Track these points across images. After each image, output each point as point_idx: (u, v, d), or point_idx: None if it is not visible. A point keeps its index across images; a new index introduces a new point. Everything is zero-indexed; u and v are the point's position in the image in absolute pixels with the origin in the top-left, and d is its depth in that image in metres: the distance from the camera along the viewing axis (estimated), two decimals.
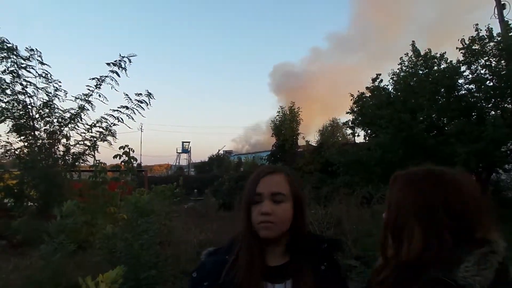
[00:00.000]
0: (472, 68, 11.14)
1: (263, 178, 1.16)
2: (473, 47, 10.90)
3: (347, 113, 14.22)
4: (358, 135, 15.41)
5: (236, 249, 1.16)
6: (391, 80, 13.21)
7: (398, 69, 12.94)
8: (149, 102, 8.63)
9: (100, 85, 8.54)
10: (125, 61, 8.52)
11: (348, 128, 15.84)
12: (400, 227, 1.02)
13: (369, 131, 13.82)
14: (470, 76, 11.21)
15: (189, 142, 53.26)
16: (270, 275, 1.11)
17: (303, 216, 1.20)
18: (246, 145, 61.49)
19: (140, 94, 8.51)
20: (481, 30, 10.93)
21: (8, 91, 8.11)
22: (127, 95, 8.48)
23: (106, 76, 8.49)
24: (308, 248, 1.16)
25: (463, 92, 11.44)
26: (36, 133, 8.42)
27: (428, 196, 1.00)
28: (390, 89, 13.15)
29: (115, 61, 8.45)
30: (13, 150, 8.27)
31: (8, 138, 8.24)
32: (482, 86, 10.52)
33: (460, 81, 11.38)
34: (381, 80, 13.35)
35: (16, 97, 8.21)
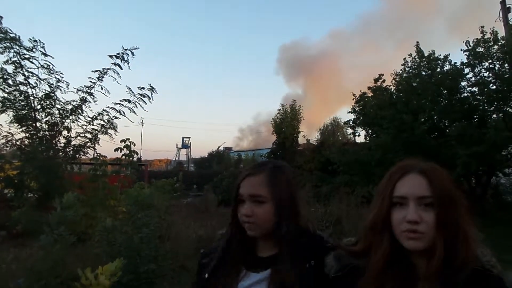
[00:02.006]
0: (475, 70, 11.14)
1: (244, 179, 1.20)
2: (477, 50, 10.88)
3: (349, 112, 14.24)
4: (359, 135, 15.44)
5: (224, 239, 1.27)
6: (393, 81, 13.21)
7: (401, 70, 12.95)
8: (152, 97, 8.61)
9: (102, 77, 8.50)
10: (127, 54, 8.48)
11: (349, 128, 15.85)
12: (458, 226, 0.96)
13: (370, 131, 13.82)
14: (473, 78, 11.21)
15: (189, 137, 53.25)
16: (253, 264, 1.19)
17: (290, 216, 1.20)
18: (254, 136, 60.87)
19: (143, 88, 8.48)
20: (486, 32, 10.91)
21: (10, 82, 8.09)
22: (129, 88, 8.46)
23: (108, 69, 8.46)
24: (292, 244, 1.17)
25: (466, 94, 11.45)
26: (37, 124, 8.40)
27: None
28: (392, 90, 13.14)
29: (117, 53, 8.41)
30: (14, 141, 8.25)
31: (9, 129, 8.23)
32: (485, 89, 10.51)
33: (463, 83, 11.39)
34: (384, 81, 13.34)
35: (18, 87, 8.18)
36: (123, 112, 8.64)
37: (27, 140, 8.32)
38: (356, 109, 13.90)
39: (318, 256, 1.18)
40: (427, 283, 0.97)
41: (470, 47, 10.98)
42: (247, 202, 1.17)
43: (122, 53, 8.45)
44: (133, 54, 8.55)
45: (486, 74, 10.99)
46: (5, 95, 8.08)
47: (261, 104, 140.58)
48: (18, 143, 8.28)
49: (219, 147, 42.11)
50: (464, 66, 11.18)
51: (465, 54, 11.14)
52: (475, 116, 11.08)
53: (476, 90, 11.05)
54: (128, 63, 8.52)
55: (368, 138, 14.19)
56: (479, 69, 11.07)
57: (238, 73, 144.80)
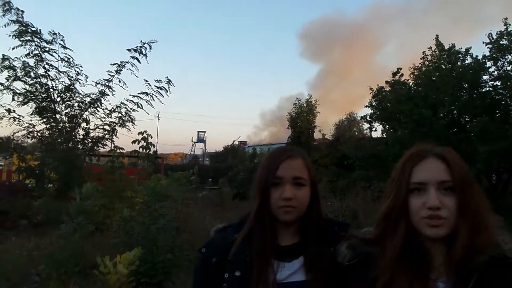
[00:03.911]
0: (498, 64, 10.78)
1: (284, 162, 1.15)
2: (501, 42, 10.53)
3: (366, 106, 14.02)
4: (376, 130, 15.21)
5: (247, 228, 1.17)
6: (412, 75, 12.95)
7: (420, 63, 12.67)
8: (169, 89, 8.69)
9: (121, 70, 8.62)
10: (145, 48, 8.57)
11: (365, 123, 15.62)
12: (478, 211, 0.94)
13: (387, 126, 13.59)
14: (496, 72, 10.87)
15: (204, 131, 53.51)
16: (279, 254, 1.14)
17: (319, 199, 1.22)
18: (275, 126, 60.22)
19: (160, 80, 8.57)
20: (510, 24, 10.54)
21: (32, 74, 8.27)
22: (147, 81, 8.56)
23: (126, 62, 8.56)
24: (318, 230, 1.17)
25: (488, 89, 11.11)
26: (57, 116, 8.58)
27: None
28: (411, 84, 12.88)
29: (136, 47, 8.51)
30: (35, 132, 8.45)
31: (31, 120, 8.43)
32: (508, 83, 10.18)
33: (485, 77, 11.05)
34: (402, 75, 13.07)
35: (39, 80, 8.36)
36: (141, 104, 8.76)
37: (47, 131, 8.51)
38: (373, 104, 13.67)
39: (337, 240, 1.19)
40: (443, 270, 0.94)
41: (493, 40, 10.63)
42: (287, 185, 1.13)
43: (140, 46, 8.54)
44: (150, 47, 8.64)
45: (509, 68, 10.63)
46: (27, 87, 8.27)
47: (287, 88, 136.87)
48: (38, 134, 8.48)
49: (234, 141, 42.26)
50: (487, 60, 10.84)
51: (488, 47, 10.79)
52: (497, 111, 10.75)
53: (499, 84, 10.71)
54: (146, 57, 8.61)
55: (385, 133, 13.96)
56: (502, 62, 10.71)
57: (259, 60, 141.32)
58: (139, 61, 8.59)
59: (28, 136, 8.40)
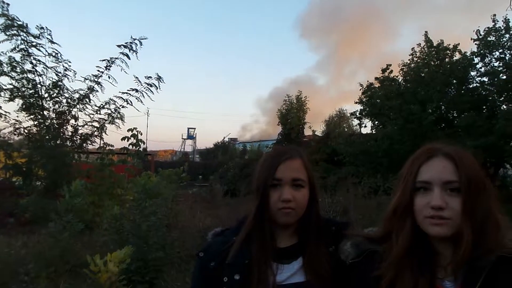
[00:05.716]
0: (485, 60, 10.94)
1: (283, 163, 1.13)
2: (488, 39, 10.68)
3: (356, 103, 14.12)
4: (365, 126, 15.33)
5: (245, 230, 1.15)
6: (401, 72, 13.07)
7: (409, 59, 12.79)
8: (159, 86, 8.61)
9: (110, 66, 8.50)
10: (136, 44, 8.47)
11: (355, 119, 15.75)
12: (488, 212, 0.92)
13: (376, 122, 13.71)
14: (483, 68, 11.04)
15: (194, 128, 53.27)
16: (278, 256, 1.13)
17: (318, 200, 1.20)
18: (269, 116, 59.44)
19: (150, 77, 8.47)
20: (497, 21, 10.69)
21: (18, 69, 8.10)
22: (137, 77, 8.45)
23: (116, 58, 8.45)
24: (317, 230, 1.16)
25: (475, 85, 11.28)
26: (45, 112, 8.43)
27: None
28: (400, 80, 13.01)
29: (126, 43, 8.40)
30: (22, 129, 8.30)
31: (17, 117, 8.27)
32: (496, 79, 10.34)
33: (473, 73, 11.21)
34: (391, 71, 13.19)
35: (25, 75, 8.20)
36: (131, 101, 8.66)
37: (35, 128, 8.37)
38: (363, 100, 13.78)
39: (337, 242, 1.17)
40: (451, 269, 0.94)
41: (481, 36, 10.78)
42: (286, 187, 1.11)
43: (130, 42, 8.43)
44: (141, 44, 8.54)
45: (496, 64, 10.80)
46: (13, 82, 8.11)
47: (282, 75, 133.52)
48: (26, 131, 8.33)
49: (224, 138, 42.22)
50: (474, 56, 10.99)
51: (476, 44, 10.94)
52: (484, 107, 10.93)
53: (486, 80, 10.88)
54: (136, 53, 8.52)
55: (374, 129, 14.10)
56: (489, 58, 10.88)
57: (249, 50, 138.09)
58: (129, 58, 8.50)
59: (15, 133, 8.24)
